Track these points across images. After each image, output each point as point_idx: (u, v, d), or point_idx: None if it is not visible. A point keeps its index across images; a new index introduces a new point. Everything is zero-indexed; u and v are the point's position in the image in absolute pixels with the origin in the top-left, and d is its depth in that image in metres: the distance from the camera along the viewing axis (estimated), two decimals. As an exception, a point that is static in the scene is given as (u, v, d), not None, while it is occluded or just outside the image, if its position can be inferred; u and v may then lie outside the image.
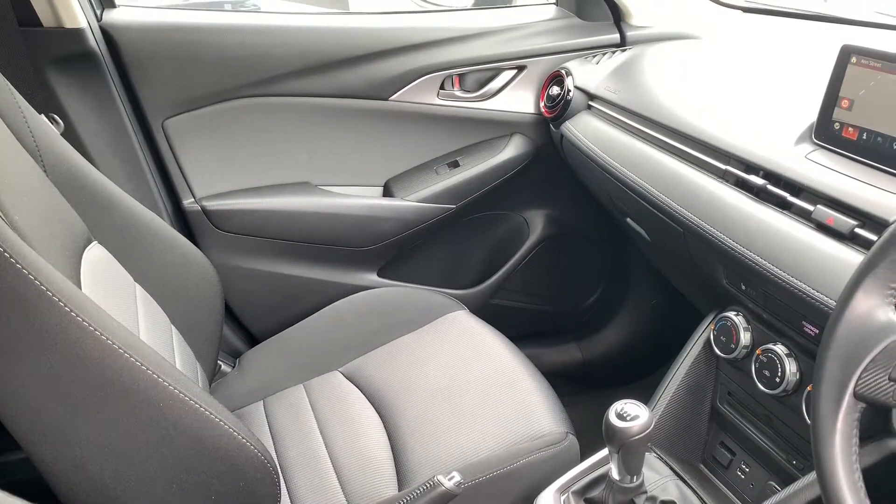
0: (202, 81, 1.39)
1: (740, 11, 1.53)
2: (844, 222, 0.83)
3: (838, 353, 0.63)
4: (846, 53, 0.92)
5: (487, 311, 1.57)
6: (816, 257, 0.84)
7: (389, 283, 1.62)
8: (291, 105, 1.46)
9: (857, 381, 0.62)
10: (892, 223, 0.62)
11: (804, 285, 0.84)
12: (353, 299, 1.42)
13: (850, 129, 0.91)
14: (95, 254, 0.96)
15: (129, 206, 1.07)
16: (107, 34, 1.32)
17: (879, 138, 0.87)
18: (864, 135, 0.89)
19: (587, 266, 1.79)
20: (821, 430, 0.62)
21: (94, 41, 1.30)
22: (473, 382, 1.15)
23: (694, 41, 1.46)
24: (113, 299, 0.95)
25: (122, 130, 1.36)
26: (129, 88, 1.36)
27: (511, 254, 1.71)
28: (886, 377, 0.60)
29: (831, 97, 0.93)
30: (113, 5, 1.37)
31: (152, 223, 1.11)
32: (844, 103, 0.92)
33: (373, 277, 1.61)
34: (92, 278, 0.91)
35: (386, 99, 1.48)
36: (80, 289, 0.85)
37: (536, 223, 1.70)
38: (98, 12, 1.34)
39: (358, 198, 1.53)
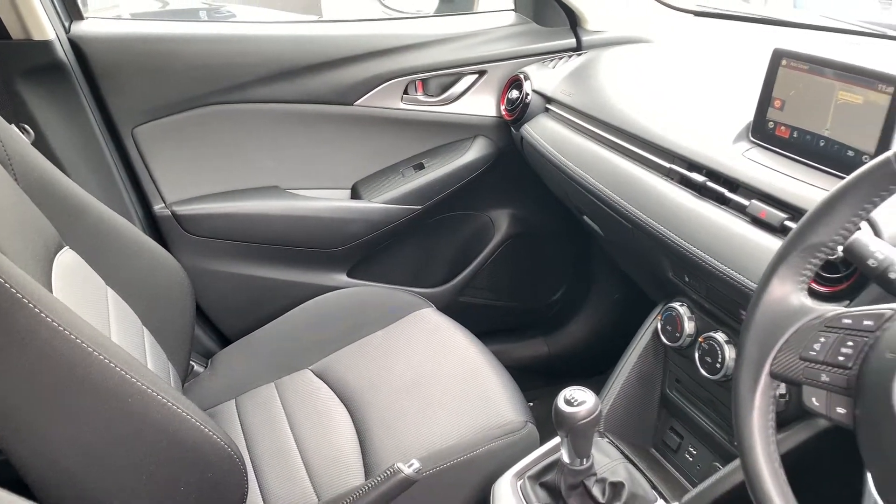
0: (170, 90, 1.43)
1: (692, 15, 1.59)
2: (775, 216, 0.88)
3: (756, 335, 0.69)
4: (777, 57, 0.98)
5: (455, 309, 1.61)
6: (751, 249, 0.89)
7: (359, 283, 1.66)
8: (259, 111, 1.50)
9: (773, 361, 0.67)
10: (801, 218, 0.68)
11: (739, 276, 0.89)
12: (323, 299, 1.46)
13: (783, 127, 0.97)
14: (67, 258, 1.00)
15: (99, 211, 1.11)
16: (75, 45, 1.35)
17: (808, 136, 0.93)
18: (795, 133, 0.95)
19: (551, 263, 1.84)
20: (741, 408, 0.68)
21: (63, 52, 1.33)
22: (439, 377, 1.19)
23: (646, 45, 1.52)
24: (85, 302, 0.98)
25: (91, 139, 1.40)
26: (99, 98, 1.39)
27: (477, 252, 1.76)
28: (797, 357, 0.65)
29: (765, 98, 0.99)
30: (81, 17, 1.40)
31: (123, 228, 1.14)
32: (777, 103, 0.98)
33: (342, 278, 1.65)
34: (63, 282, 0.94)
35: (351, 104, 1.53)
36: (52, 292, 0.89)
37: (501, 222, 1.75)
38: (66, 24, 1.37)
39: (326, 200, 1.57)
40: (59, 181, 1.05)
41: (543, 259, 1.82)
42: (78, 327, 0.74)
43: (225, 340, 1.59)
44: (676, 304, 1.08)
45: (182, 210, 1.48)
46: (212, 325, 1.61)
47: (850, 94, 0.89)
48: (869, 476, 0.60)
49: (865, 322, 0.62)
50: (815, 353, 0.64)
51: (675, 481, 1.08)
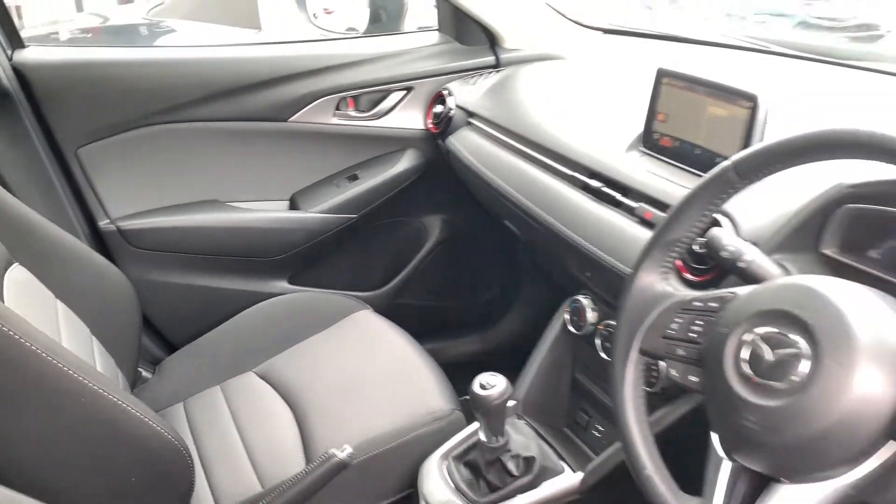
0: (112, 112, 1.50)
1: (601, 33, 1.72)
2: (659, 216, 1.01)
3: (628, 318, 0.81)
4: (660, 75, 1.11)
5: (393, 311, 1.70)
6: (638, 246, 1.01)
7: (299, 289, 1.74)
8: (198, 129, 1.58)
9: (641, 339, 0.79)
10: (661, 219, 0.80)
11: (629, 270, 1.01)
12: (265, 305, 1.54)
13: (666, 138, 1.10)
14: (17, 274, 1.06)
15: (47, 229, 1.18)
16: (18, 73, 1.42)
17: (687, 145, 1.06)
18: (676, 143, 1.08)
19: (482, 265, 1.95)
20: (615, 380, 0.80)
21: (6, 80, 1.39)
22: (374, 373, 1.29)
23: (558, 61, 1.64)
24: (35, 314, 1.05)
25: (37, 160, 1.46)
26: (43, 121, 1.46)
27: (412, 257, 1.85)
28: (660, 335, 0.78)
29: (652, 111, 1.12)
30: (22, 46, 1.47)
31: (70, 244, 1.21)
32: (661, 117, 1.11)
33: (283, 284, 1.74)
34: (14, 296, 1.01)
35: (286, 120, 1.62)
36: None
37: (433, 228, 1.85)
38: (9, 53, 1.44)
39: (265, 212, 1.65)
40: (7, 201, 1.11)
41: (474, 261, 1.93)
42: (32, 335, 0.81)
43: (172, 348, 1.65)
44: (581, 297, 1.21)
45: (126, 225, 1.55)
46: (159, 334, 1.67)
47: (718, 108, 1.02)
48: (714, 436, 0.72)
49: (710, 304, 0.75)
50: (673, 332, 0.77)
51: (583, 455, 1.20)
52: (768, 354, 0.64)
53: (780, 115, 0.97)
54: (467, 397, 1.29)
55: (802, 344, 0.63)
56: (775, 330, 0.65)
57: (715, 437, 0.72)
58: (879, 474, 0.61)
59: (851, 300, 0.63)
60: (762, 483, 0.66)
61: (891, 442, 0.60)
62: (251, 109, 1.59)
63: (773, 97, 0.97)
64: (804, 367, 0.62)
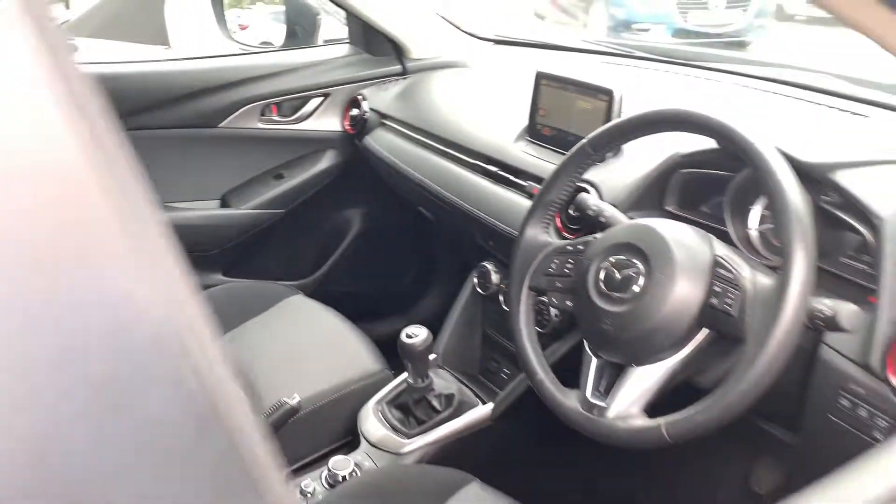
0: None
1: (491, 43, 1.97)
2: None
3: (518, 263, 1.04)
4: (539, 77, 1.35)
5: (322, 296, 1.87)
6: (529, 216, 1.25)
7: (234, 280, 1.89)
8: (136, 137, 1.70)
9: (529, 279, 1.02)
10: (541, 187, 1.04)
11: None
12: (203, 295, 1.69)
13: (547, 128, 1.34)
14: None
15: None
16: None
17: (562, 133, 1.30)
18: (555, 132, 1.32)
19: (402, 250, 2.14)
20: (512, 313, 1.03)
21: None
22: (310, 346, 1.46)
23: (459, 69, 1.86)
24: None
25: None
26: None
27: (337, 246, 2.03)
28: (543, 274, 1.01)
29: (534, 107, 1.36)
30: None
31: None
32: (542, 111, 1.35)
33: (219, 277, 1.89)
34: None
35: (216, 126, 1.78)
36: None
37: (355, 220, 2.04)
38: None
39: (200, 210, 1.81)
40: None
41: (394, 248, 2.12)
42: None
43: None
44: (487, 263, 1.44)
45: None
46: None
47: (584, 102, 1.26)
48: (585, 342, 0.96)
49: (578, 246, 0.99)
50: (552, 270, 1.00)
51: (494, 393, 1.42)
52: (617, 274, 0.88)
53: (634, 104, 1.21)
54: (392, 371, 1.47)
55: (640, 265, 0.87)
56: (622, 257, 0.89)
57: (585, 343, 0.95)
58: (696, 356, 0.86)
59: (673, 232, 0.88)
60: (619, 370, 0.90)
61: (703, 330, 0.85)
62: (184, 118, 1.74)
63: (626, 91, 1.22)
64: (641, 281, 0.86)
